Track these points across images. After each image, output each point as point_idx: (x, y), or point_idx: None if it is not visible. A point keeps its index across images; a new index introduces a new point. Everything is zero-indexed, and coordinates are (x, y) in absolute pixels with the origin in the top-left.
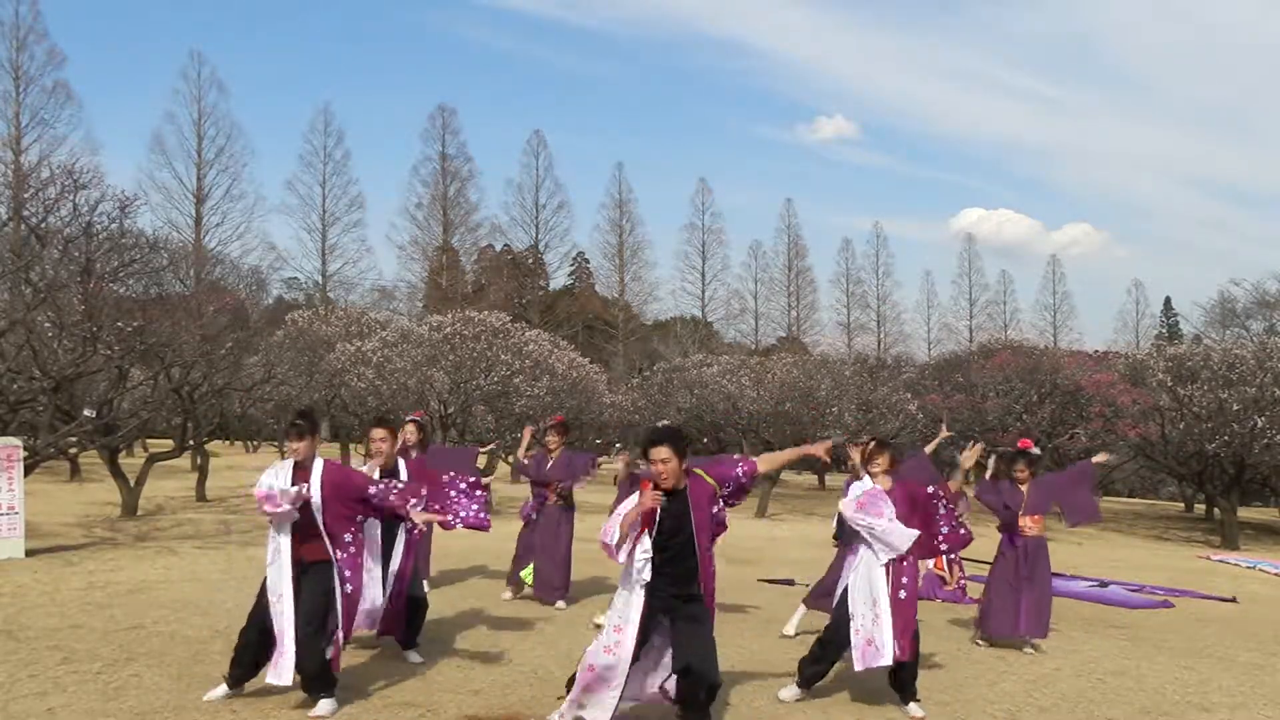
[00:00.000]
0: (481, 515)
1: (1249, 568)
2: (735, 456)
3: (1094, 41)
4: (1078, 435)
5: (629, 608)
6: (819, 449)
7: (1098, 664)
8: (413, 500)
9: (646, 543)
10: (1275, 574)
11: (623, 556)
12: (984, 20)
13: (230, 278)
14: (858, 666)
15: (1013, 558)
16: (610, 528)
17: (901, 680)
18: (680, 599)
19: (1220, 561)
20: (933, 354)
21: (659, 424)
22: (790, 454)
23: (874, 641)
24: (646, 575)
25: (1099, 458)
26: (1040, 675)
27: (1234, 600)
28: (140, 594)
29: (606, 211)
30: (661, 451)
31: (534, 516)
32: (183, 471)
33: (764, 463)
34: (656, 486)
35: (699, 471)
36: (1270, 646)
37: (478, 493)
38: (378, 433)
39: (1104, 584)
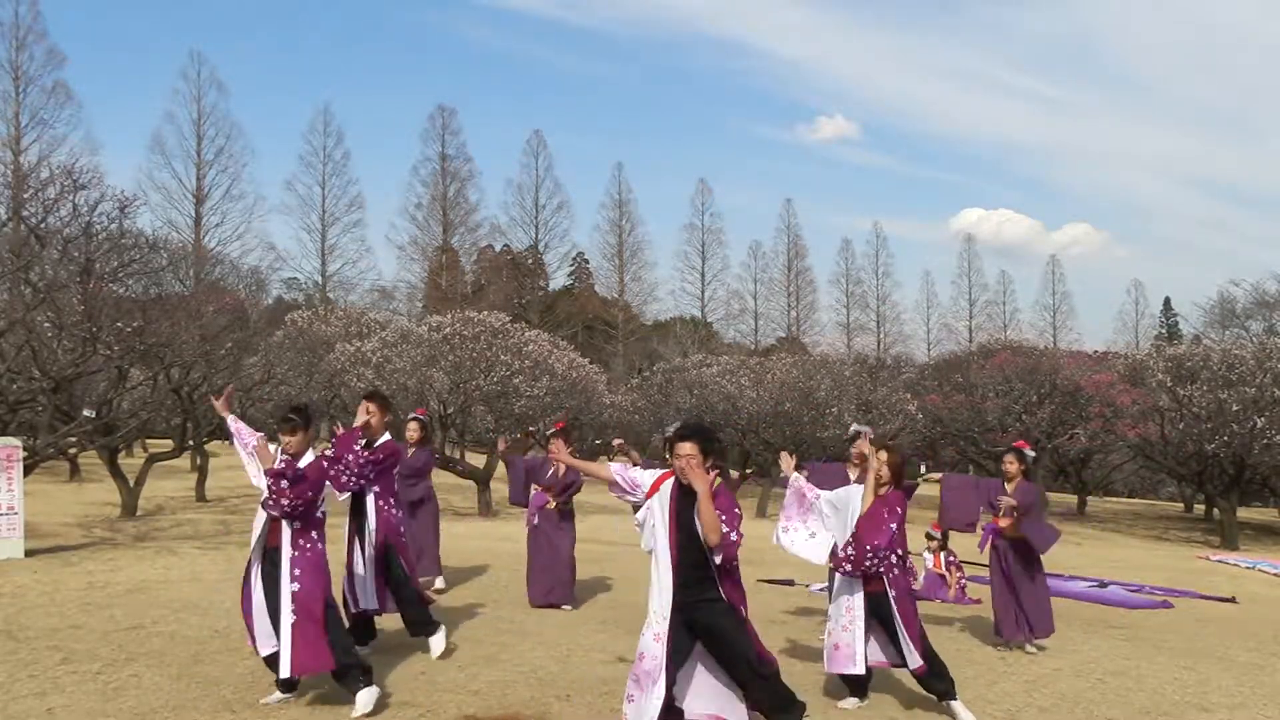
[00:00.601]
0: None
1: (1249, 568)
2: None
3: (1094, 41)
4: (1077, 435)
5: (663, 603)
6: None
7: (1097, 664)
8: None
9: (646, 515)
10: (1275, 574)
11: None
12: (984, 20)
13: (230, 278)
14: (826, 669)
15: (996, 561)
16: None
17: (929, 684)
18: (703, 603)
19: (1220, 561)
20: (932, 354)
21: (690, 419)
22: None
23: (842, 646)
24: (653, 545)
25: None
26: (1040, 675)
27: (1234, 600)
28: (140, 594)
29: (606, 211)
30: (686, 447)
31: (534, 521)
32: (182, 472)
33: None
34: (678, 482)
35: (719, 479)
36: (1270, 646)
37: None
38: (368, 405)
39: (1104, 584)
